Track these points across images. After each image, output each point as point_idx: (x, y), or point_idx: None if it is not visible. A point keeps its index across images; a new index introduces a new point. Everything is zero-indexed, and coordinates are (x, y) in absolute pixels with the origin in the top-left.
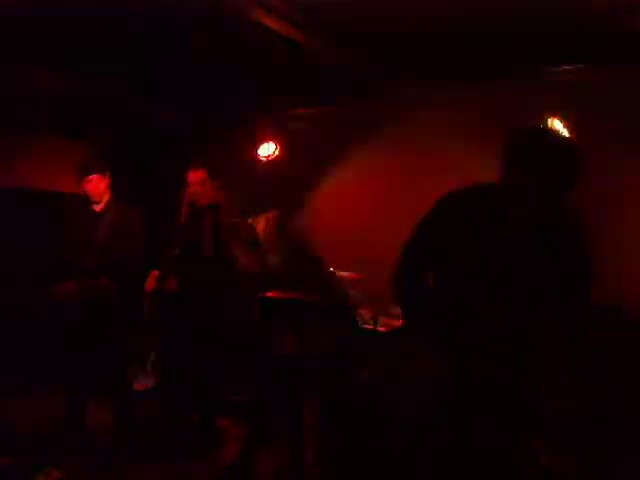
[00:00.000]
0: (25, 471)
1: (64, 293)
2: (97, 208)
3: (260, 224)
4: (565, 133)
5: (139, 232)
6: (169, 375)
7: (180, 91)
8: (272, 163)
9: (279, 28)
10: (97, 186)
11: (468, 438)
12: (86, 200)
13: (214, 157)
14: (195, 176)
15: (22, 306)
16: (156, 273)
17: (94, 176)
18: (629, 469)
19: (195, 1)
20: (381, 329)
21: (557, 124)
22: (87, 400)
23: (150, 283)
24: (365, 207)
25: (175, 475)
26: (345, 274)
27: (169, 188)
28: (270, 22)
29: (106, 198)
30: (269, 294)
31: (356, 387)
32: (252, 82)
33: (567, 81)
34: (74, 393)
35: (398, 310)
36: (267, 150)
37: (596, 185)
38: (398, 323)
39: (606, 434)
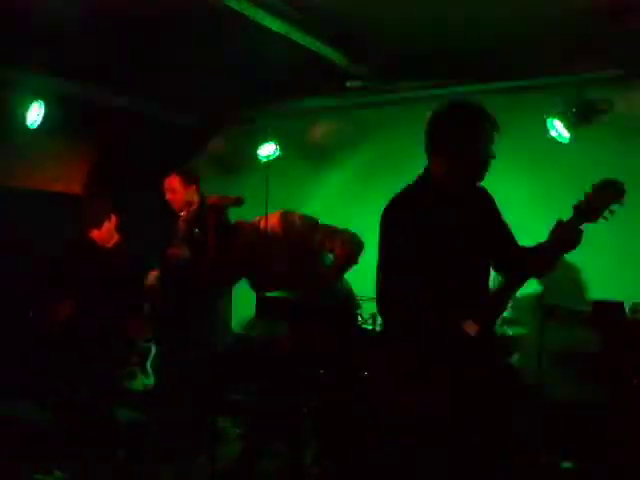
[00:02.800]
0: (25, 471)
1: (63, 314)
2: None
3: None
4: (565, 133)
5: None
6: (168, 375)
7: (180, 91)
8: (271, 163)
9: (279, 28)
10: (99, 236)
11: (465, 438)
12: None
13: (213, 159)
14: (168, 183)
15: (25, 306)
16: (155, 273)
17: (94, 230)
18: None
19: (195, 1)
20: (380, 329)
21: (557, 124)
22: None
23: (150, 283)
24: (365, 207)
25: (175, 475)
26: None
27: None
28: (270, 22)
29: (114, 239)
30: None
31: (355, 387)
32: (252, 82)
33: (567, 81)
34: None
35: None
36: (267, 150)
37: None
38: None
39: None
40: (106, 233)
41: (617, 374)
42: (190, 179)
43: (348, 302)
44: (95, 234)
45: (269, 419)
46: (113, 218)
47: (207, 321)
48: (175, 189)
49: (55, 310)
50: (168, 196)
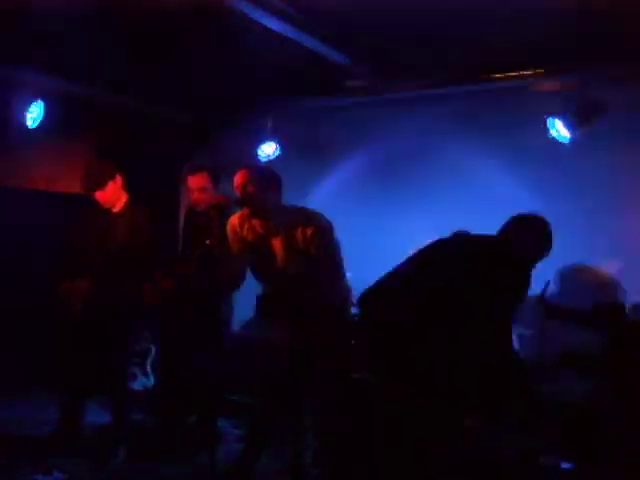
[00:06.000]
0: (25, 471)
1: (79, 292)
2: (114, 210)
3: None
4: (565, 133)
5: (153, 232)
6: (168, 375)
7: (180, 91)
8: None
9: (279, 28)
10: (103, 197)
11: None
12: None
13: (214, 159)
14: (195, 181)
15: (25, 306)
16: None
17: (97, 191)
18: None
19: (195, 0)
20: None
21: (557, 124)
22: (84, 401)
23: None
24: (364, 207)
25: (175, 475)
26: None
27: (168, 188)
28: (270, 22)
29: (122, 199)
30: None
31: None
32: (252, 82)
33: (567, 81)
34: (72, 394)
35: None
36: (267, 150)
37: (597, 185)
38: None
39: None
40: (111, 194)
41: (617, 374)
42: (218, 177)
43: (347, 301)
44: (99, 195)
45: (269, 419)
46: (118, 178)
47: (209, 322)
48: (204, 187)
49: (73, 287)
50: (195, 195)
